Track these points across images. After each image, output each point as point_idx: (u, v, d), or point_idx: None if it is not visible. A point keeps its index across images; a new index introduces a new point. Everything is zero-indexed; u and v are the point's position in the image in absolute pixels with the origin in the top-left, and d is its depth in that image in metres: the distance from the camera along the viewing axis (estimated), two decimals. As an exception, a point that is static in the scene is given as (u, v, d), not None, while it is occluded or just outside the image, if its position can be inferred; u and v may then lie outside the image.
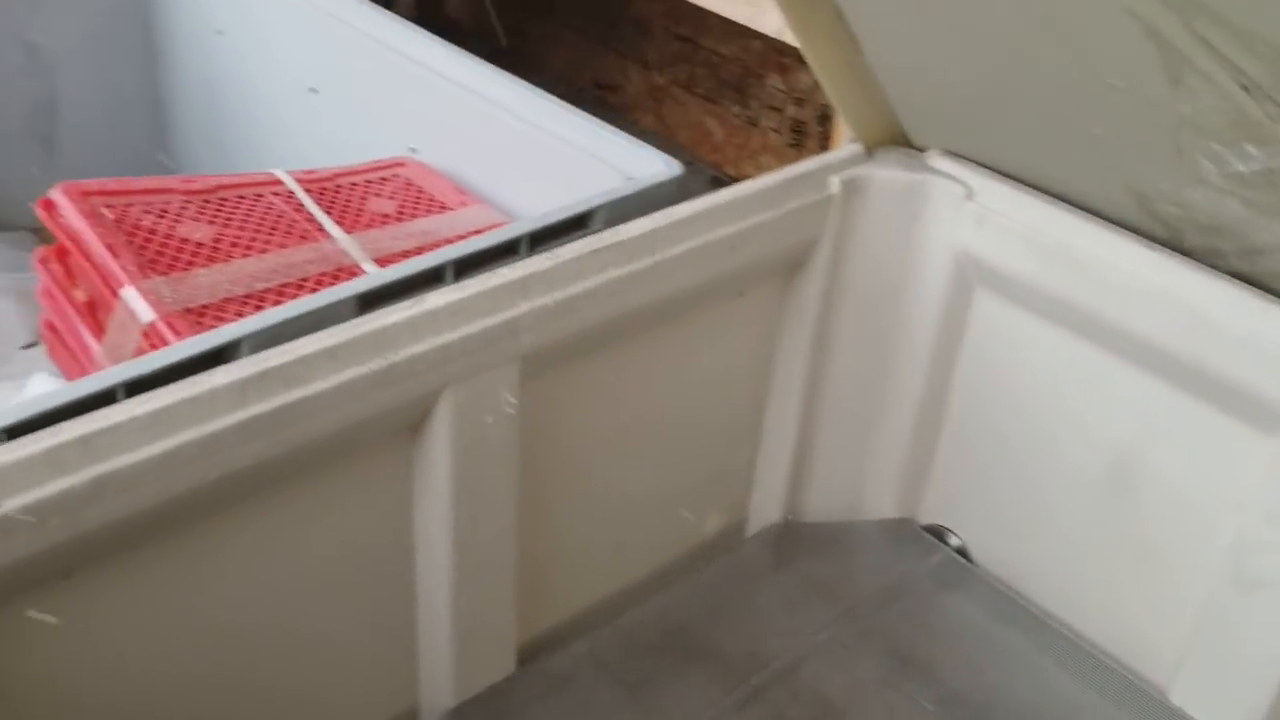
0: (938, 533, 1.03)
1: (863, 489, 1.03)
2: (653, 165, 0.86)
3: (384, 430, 0.70)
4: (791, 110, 1.92)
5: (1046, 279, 0.85)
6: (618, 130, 0.90)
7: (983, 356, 0.93)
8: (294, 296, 0.77)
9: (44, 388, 0.93)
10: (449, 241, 0.91)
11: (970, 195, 0.87)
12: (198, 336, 0.63)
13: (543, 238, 0.78)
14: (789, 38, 1.23)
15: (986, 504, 0.98)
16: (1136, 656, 0.90)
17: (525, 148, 0.95)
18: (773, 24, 1.25)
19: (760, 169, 2.02)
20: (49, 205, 0.80)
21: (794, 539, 1.03)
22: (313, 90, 1.14)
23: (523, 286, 0.71)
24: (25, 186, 1.26)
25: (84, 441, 0.57)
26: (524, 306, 0.71)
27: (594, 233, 0.78)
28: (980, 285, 0.90)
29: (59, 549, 0.58)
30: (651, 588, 0.95)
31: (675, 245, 0.77)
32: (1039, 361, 0.89)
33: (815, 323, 0.93)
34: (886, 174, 0.88)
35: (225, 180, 0.89)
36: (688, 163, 2.20)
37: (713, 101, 2.08)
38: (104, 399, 0.62)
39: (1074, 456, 0.89)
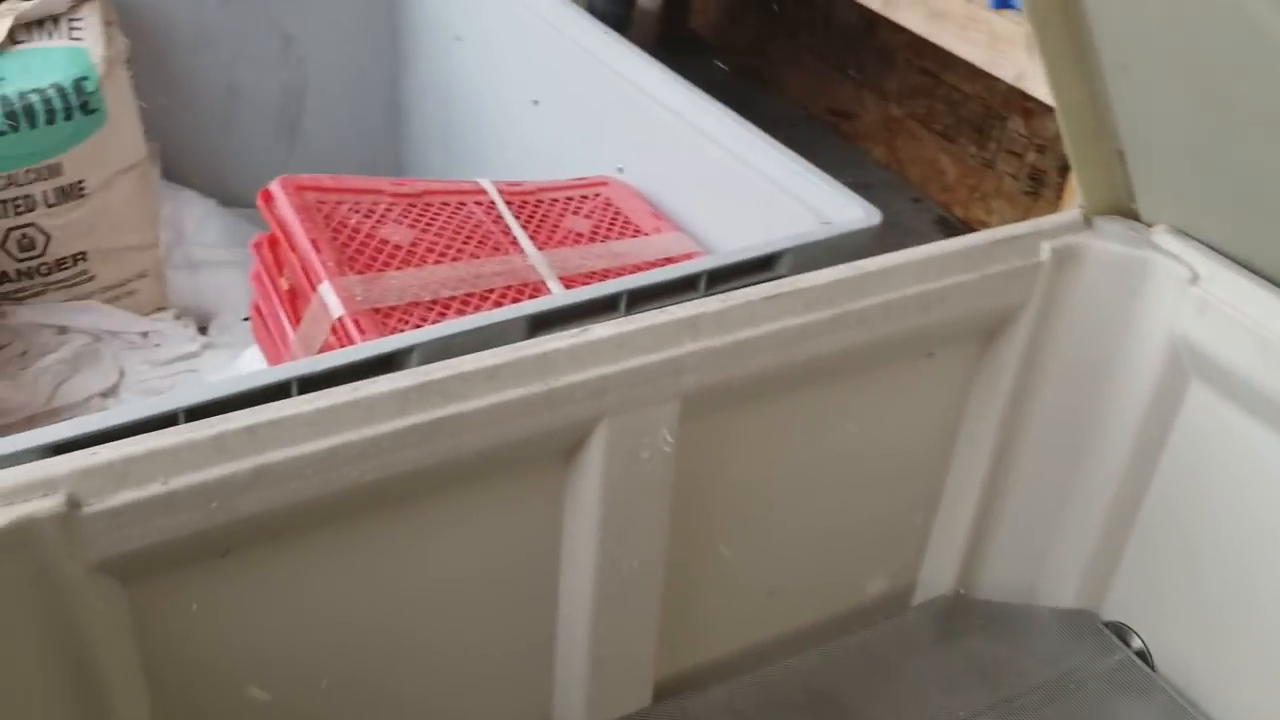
0: (1119, 631, 0.95)
1: (1043, 572, 0.97)
2: (851, 211, 0.83)
3: (539, 452, 0.70)
4: (1031, 157, 1.83)
5: (1272, 381, 0.77)
6: (820, 171, 0.87)
7: (1190, 453, 0.85)
8: (477, 307, 0.79)
9: (255, 363, 0.99)
10: (636, 267, 0.91)
11: (1195, 279, 0.80)
12: (372, 342, 0.65)
13: (724, 276, 0.77)
14: (1028, 85, 1.17)
15: (1176, 607, 0.90)
16: (1331, 809, 0.81)
17: (726, 179, 0.93)
18: (1012, 70, 1.20)
19: (991, 214, 1.94)
20: (267, 196, 0.84)
21: (962, 614, 0.98)
22: (535, 102, 1.17)
23: (691, 326, 0.69)
24: (271, 168, 1.35)
25: (250, 431, 0.59)
26: (690, 346, 0.69)
27: (777, 276, 0.76)
28: (1196, 377, 0.83)
29: (218, 529, 0.61)
30: (801, 643, 0.92)
31: (860, 299, 0.74)
32: (1253, 467, 0.81)
33: (1009, 393, 0.87)
34: (1105, 246, 0.82)
35: (432, 186, 0.92)
36: (915, 200, 2.14)
37: (949, 139, 2.01)
38: (280, 391, 0.65)
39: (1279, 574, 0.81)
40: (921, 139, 2.07)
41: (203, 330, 1.25)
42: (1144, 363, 0.84)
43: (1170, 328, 0.82)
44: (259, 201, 0.86)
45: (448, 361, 0.64)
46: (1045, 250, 0.81)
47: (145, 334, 1.22)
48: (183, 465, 0.58)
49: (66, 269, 1.18)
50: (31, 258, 1.15)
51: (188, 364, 1.16)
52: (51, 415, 1.05)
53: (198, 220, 1.28)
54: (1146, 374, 0.84)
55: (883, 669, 0.92)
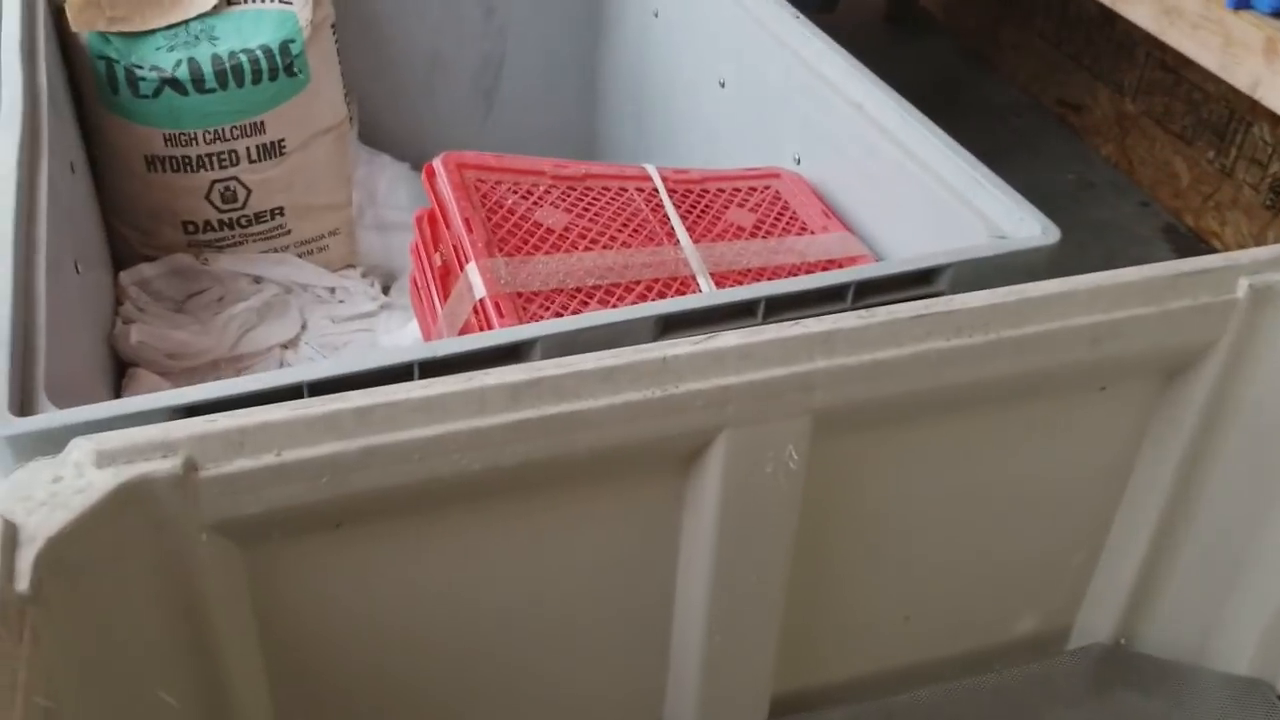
0: (1299, 709, 0.86)
1: (1216, 632, 0.88)
2: (1028, 227, 0.77)
3: (656, 457, 0.68)
4: (1275, 167, 1.67)
5: None
6: (999, 180, 0.81)
7: (1400, 526, 0.75)
8: (620, 298, 0.77)
9: (417, 333, 1.02)
10: (795, 267, 0.87)
11: None
12: (492, 332, 0.65)
13: (875, 289, 0.72)
14: (1264, 94, 1.06)
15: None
16: None
17: (900, 179, 0.88)
18: (1247, 78, 1.08)
19: (1225, 225, 1.79)
20: (430, 171, 0.85)
21: (1120, 666, 0.90)
22: (721, 84, 1.14)
23: (825, 341, 0.66)
24: (464, 136, 1.38)
25: (362, 413, 0.60)
26: (821, 363, 0.66)
27: (936, 292, 0.71)
28: None
29: (330, 503, 0.62)
30: (934, 675, 0.88)
31: (1018, 327, 0.69)
32: None
33: (1191, 438, 0.79)
34: (1314, 286, 0.73)
35: (595, 169, 0.91)
36: (1143, 204, 1.99)
37: (1186, 141, 1.86)
38: (403, 373, 0.65)
39: None
40: (1155, 138, 1.92)
41: (385, 290, 1.29)
42: (1352, 420, 0.75)
43: (1386, 384, 0.72)
44: (423, 177, 0.87)
45: (564, 359, 0.63)
46: (1242, 287, 0.72)
47: (332, 289, 1.27)
48: (295, 439, 0.59)
49: (264, 222, 1.24)
50: (233, 209, 1.21)
51: (365, 322, 1.20)
52: (234, 361, 1.10)
53: (390, 183, 1.32)
54: (1354, 433, 0.75)
55: (1020, 713, 0.86)
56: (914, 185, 0.87)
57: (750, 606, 0.76)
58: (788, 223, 0.92)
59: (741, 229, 0.90)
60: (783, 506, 0.72)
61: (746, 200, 0.94)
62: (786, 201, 0.94)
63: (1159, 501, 0.83)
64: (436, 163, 0.85)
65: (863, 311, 0.67)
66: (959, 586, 0.85)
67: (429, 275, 0.86)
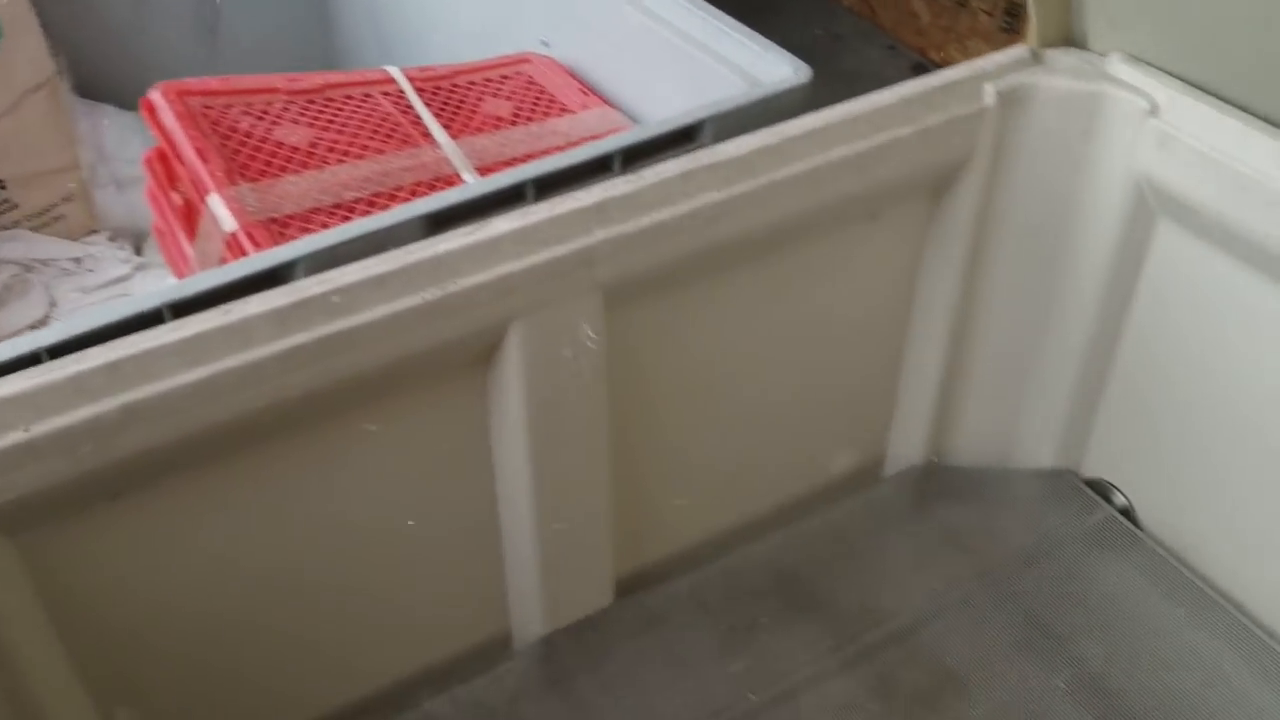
0: (1101, 489, 0.92)
1: (1018, 434, 0.93)
2: (779, 70, 0.77)
3: (449, 362, 0.65)
4: (1004, -9, 1.73)
5: (1242, 214, 0.71)
6: (746, 29, 0.80)
7: (1162, 297, 0.80)
8: (384, 208, 0.73)
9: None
10: (561, 149, 0.84)
11: (1154, 110, 0.73)
12: (247, 259, 0.60)
13: (642, 153, 0.71)
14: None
15: (1159, 461, 0.86)
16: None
17: (651, 46, 0.86)
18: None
19: (968, 55, 1.85)
20: (149, 106, 0.78)
21: (935, 483, 0.94)
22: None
23: (599, 212, 0.64)
24: (194, 71, 1.28)
25: (111, 369, 0.55)
26: (600, 234, 0.64)
27: (699, 148, 0.70)
28: (1163, 216, 0.77)
29: (99, 473, 0.57)
30: (767, 526, 0.89)
31: (785, 166, 0.69)
32: (1227, 307, 0.76)
33: (965, 252, 0.82)
34: (1054, 83, 0.75)
35: (333, 79, 0.85)
36: (889, 48, 2.04)
37: (920, -22, 1.90)
38: (153, 319, 0.60)
39: (1262, 416, 0.76)
40: (891, -21, 1.96)
41: (138, 250, 1.20)
42: (1106, 206, 0.78)
43: (1131, 165, 0.76)
44: (142, 112, 0.80)
45: (328, 274, 0.59)
46: (989, 94, 0.74)
47: (78, 260, 1.17)
48: (42, 410, 0.54)
49: (-16, 199, 1.12)
50: (-55, 191, 1.10)
51: (120, 287, 1.12)
52: (-21, 355, 1.00)
53: (119, 135, 1.21)
54: (1109, 218, 0.79)
55: (852, 546, 0.89)
56: (664, 48, 0.86)
57: (576, 492, 0.75)
58: (547, 106, 0.89)
59: (500, 119, 0.87)
60: (589, 388, 0.70)
61: (500, 89, 0.90)
62: (542, 86, 0.91)
63: (946, 318, 0.85)
64: (154, 94, 0.78)
65: (631, 176, 0.65)
66: (776, 434, 0.86)
67: (170, 218, 0.79)
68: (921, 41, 1.92)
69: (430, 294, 0.61)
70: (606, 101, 0.91)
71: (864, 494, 0.93)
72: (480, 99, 0.88)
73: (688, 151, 0.69)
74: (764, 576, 0.86)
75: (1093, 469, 0.92)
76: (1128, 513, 0.90)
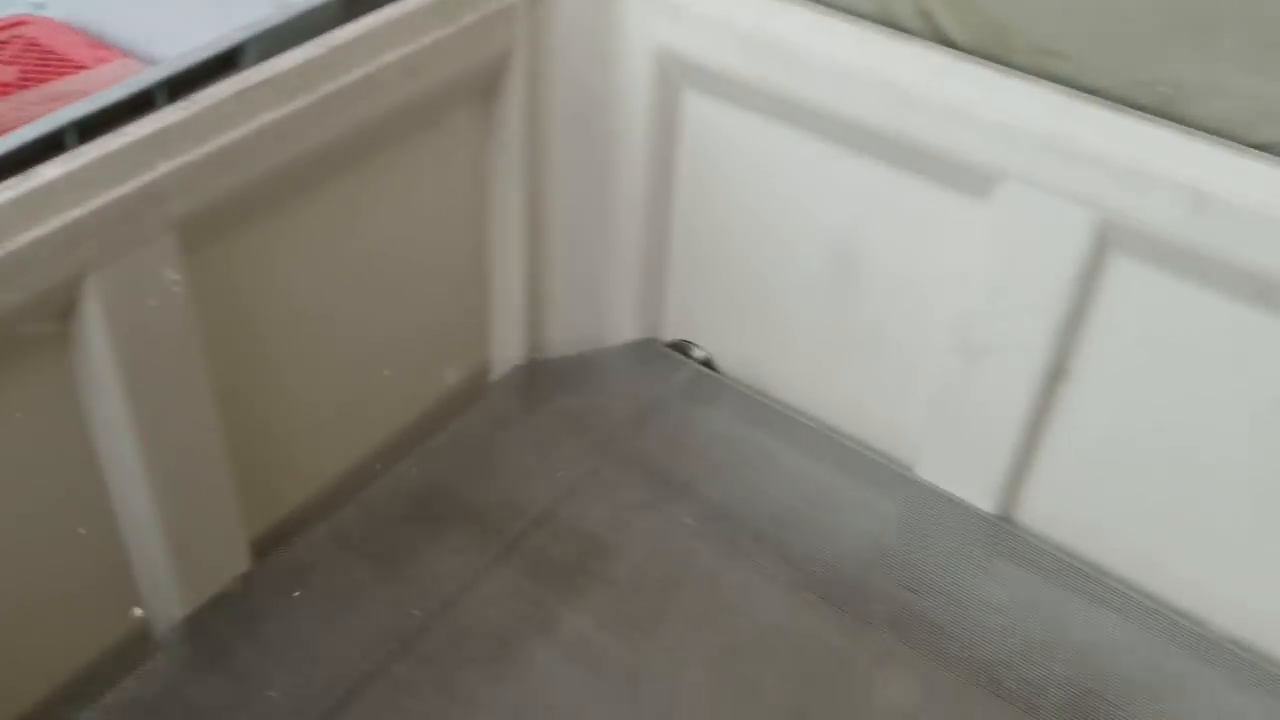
0: (681, 348, 1.01)
1: (603, 316, 0.99)
2: (309, -11, 0.76)
3: (28, 334, 0.60)
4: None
5: (751, 69, 0.80)
6: (264, -46, 0.78)
7: (701, 160, 0.89)
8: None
9: None
10: (87, 105, 0.78)
11: (662, -13, 0.81)
12: None
13: (184, 85, 0.67)
14: None
15: (724, 312, 0.96)
16: (882, 438, 0.91)
17: (162, -13, 0.82)
18: None
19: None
20: None
21: (540, 377, 0.99)
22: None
23: (159, 144, 0.61)
24: None
25: None
26: (164, 167, 0.61)
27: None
28: (687, 85, 0.85)
29: None
30: (394, 454, 0.89)
31: (338, 77, 0.69)
32: (757, 158, 0.86)
33: (522, 148, 0.86)
34: (571, -27, 0.80)
35: None
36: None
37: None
38: None
39: (801, 250, 0.87)
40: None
41: None
42: (636, 84, 0.85)
43: (650, 43, 0.83)
44: None
45: None
46: (516, -12, 0.78)
47: None
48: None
49: None
50: None
51: None
52: None
53: None
54: (641, 95, 0.86)
55: (478, 454, 0.91)
56: (178, -14, 0.81)
57: (191, 457, 0.71)
58: (58, 66, 0.82)
59: (7, 85, 0.79)
60: (183, 339, 0.67)
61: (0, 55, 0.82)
62: (50, 46, 0.84)
63: (519, 217, 0.90)
64: None
65: (183, 102, 0.62)
66: (381, 359, 0.86)
67: None
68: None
69: (-20, 259, 0.55)
70: (126, 55, 0.85)
71: (479, 402, 0.96)
72: (-24, 68, 0.80)
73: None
74: (402, 501, 0.87)
75: (671, 332, 1.01)
76: (709, 363, 1.00)
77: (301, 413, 0.80)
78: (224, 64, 0.69)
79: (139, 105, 0.65)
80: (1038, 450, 0.83)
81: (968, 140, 0.74)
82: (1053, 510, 0.85)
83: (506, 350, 0.97)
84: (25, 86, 0.80)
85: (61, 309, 0.60)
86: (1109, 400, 0.77)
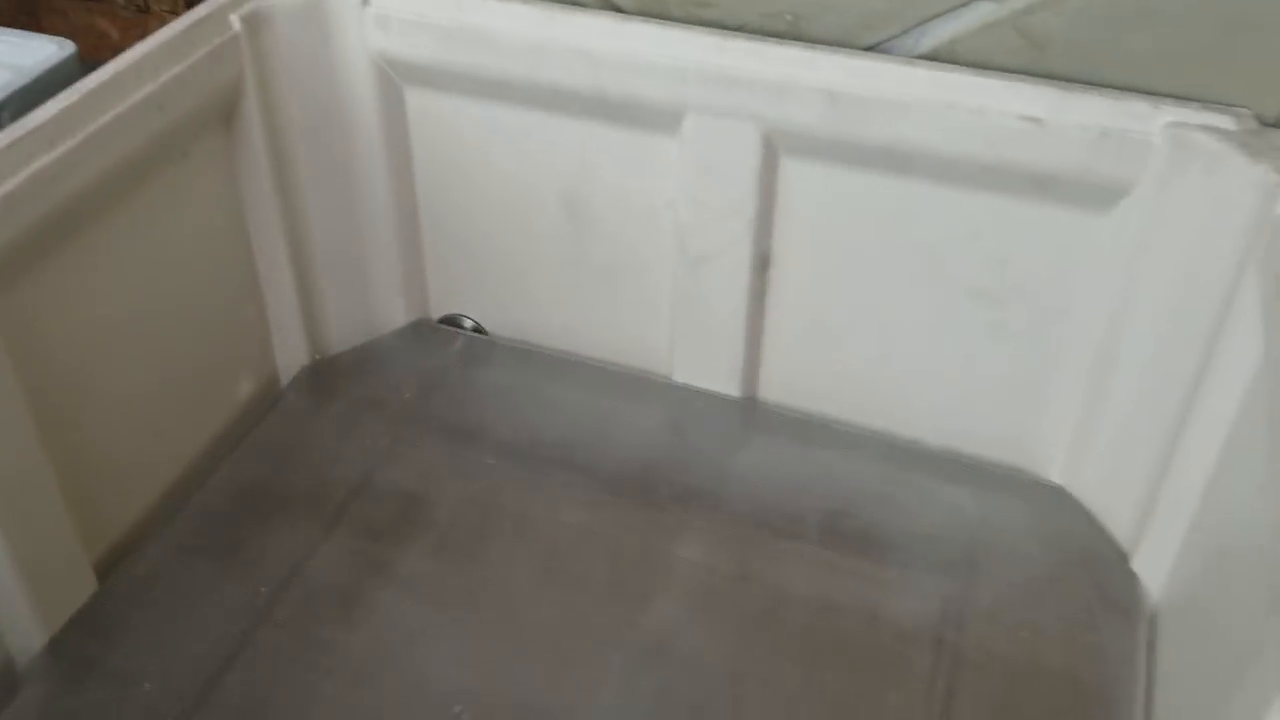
0: (452, 321, 1.12)
1: (374, 307, 1.09)
2: (45, 50, 0.83)
3: None
4: (185, -13, 1.84)
5: (457, 60, 0.93)
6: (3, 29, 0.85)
7: (433, 148, 1.01)
8: None
9: None
10: None
11: (365, 1, 0.92)
12: None
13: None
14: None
15: (483, 281, 1.08)
16: (639, 355, 1.06)
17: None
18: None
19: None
20: None
21: (328, 374, 1.08)
22: None
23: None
24: None
25: None
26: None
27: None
28: (407, 84, 0.97)
29: None
30: (210, 465, 0.97)
31: (98, 118, 0.76)
32: (481, 136, 0.98)
33: (270, 165, 0.95)
34: (282, 1, 0.91)
35: None
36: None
37: (96, 0, 1.94)
38: None
39: (536, 212, 1.01)
40: (68, 11, 1.98)
41: None
42: (362, 92, 0.96)
43: (366, 52, 0.94)
44: None
45: None
46: (236, 22, 0.88)
47: None
48: None
49: None
50: None
51: None
52: None
53: None
54: (368, 99, 0.97)
55: (287, 449, 1.00)
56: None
57: (23, 492, 0.77)
58: None
59: None
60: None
61: None
62: None
63: (278, 230, 0.98)
64: None
65: (-43, 160, 0.69)
66: (185, 378, 0.93)
67: None
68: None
69: None
70: None
71: (276, 406, 1.04)
72: None
73: (-6, 139, 0.73)
74: (228, 503, 0.95)
75: (440, 309, 1.12)
76: (479, 329, 1.12)
77: (121, 436, 0.87)
78: (-19, 127, 0.76)
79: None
80: (762, 335, 0.99)
81: (650, 87, 0.89)
82: (787, 383, 1.02)
83: (292, 356, 1.06)
84: None
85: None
86: (807, 278, 0.95)
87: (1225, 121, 0.76)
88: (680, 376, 1.04)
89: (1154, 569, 0.86)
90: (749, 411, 1.02)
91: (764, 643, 0.83)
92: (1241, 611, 0.65)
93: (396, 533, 0.92)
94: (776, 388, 1.02)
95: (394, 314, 1.10)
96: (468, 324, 1.12)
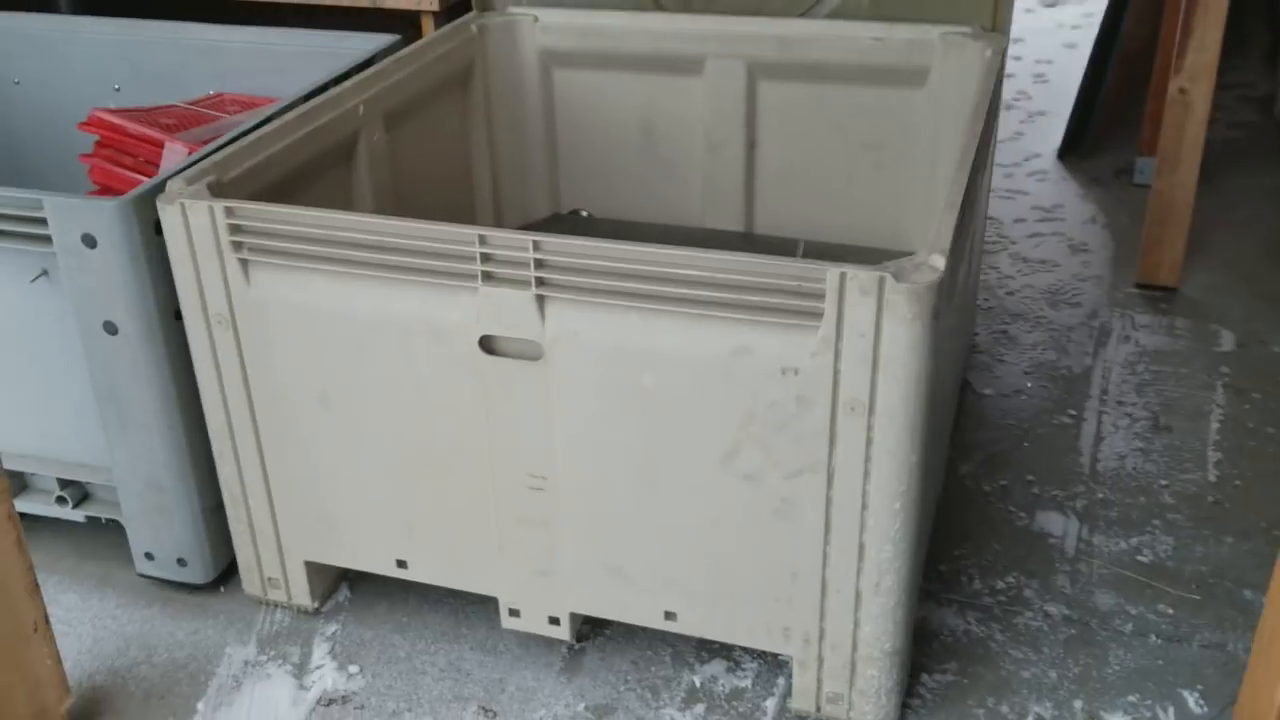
0: (575, 211, 1.91)
1: (530, 201, 1.88)
2: (387, 39, 1.65)
3: None
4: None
5: (583, 47, 1.75)
6: None
7: (568, 106, 1.82)
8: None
9: None
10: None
11: (537, 19, 1.75)
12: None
13: None
14: None
15: (591, 183, 1.88)
16: (683, 215, 1.85)
17: None
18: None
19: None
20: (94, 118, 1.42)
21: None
22: None
23: None
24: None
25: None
26: None
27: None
28: (555, 67, 1.80)
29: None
30: None
31: (408, 68, 1.58)
32: (594, 93, 1.80)
33: (483, 112, 1.76)
34: (496, 19, 1.74)
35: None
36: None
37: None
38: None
39: (624, 134, 1.81)
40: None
41: None
42: (532, 74, 1.79)
43: (536, 48, 1.77)
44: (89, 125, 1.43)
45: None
46: (474, 29, 1.70)
47: None
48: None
49: None
50: None
51: None
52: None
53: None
54: (534, 79, 1.79)
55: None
56: None
57: None
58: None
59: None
60: None
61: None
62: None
63: (484, 146, 1.78)
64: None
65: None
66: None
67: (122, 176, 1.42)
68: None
69: None
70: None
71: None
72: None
73: None
74: None
75: (566, 205, 1.91)
76: (591, 216, 1.90)
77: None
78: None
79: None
80: (754, 190, 1.78)
81: (685, 47, 1.71)
82: (775, 213, 1.80)
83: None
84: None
85: None
86: (779, 150, 1.75)
87: (967, 30, 1.57)
88: (707, 223, 1.83)
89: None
90: (749, 241, 1.80)
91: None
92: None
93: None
94: (768, 220, 1.81)
95: (540, 206, 1.89)
96: (584, 213, 1.91)
